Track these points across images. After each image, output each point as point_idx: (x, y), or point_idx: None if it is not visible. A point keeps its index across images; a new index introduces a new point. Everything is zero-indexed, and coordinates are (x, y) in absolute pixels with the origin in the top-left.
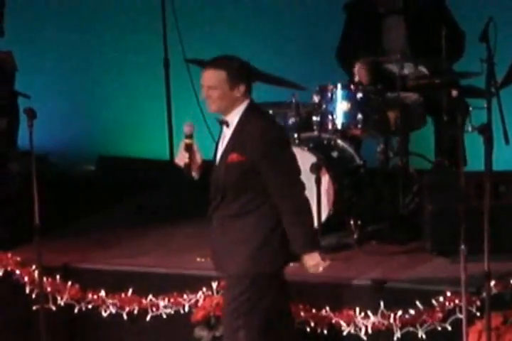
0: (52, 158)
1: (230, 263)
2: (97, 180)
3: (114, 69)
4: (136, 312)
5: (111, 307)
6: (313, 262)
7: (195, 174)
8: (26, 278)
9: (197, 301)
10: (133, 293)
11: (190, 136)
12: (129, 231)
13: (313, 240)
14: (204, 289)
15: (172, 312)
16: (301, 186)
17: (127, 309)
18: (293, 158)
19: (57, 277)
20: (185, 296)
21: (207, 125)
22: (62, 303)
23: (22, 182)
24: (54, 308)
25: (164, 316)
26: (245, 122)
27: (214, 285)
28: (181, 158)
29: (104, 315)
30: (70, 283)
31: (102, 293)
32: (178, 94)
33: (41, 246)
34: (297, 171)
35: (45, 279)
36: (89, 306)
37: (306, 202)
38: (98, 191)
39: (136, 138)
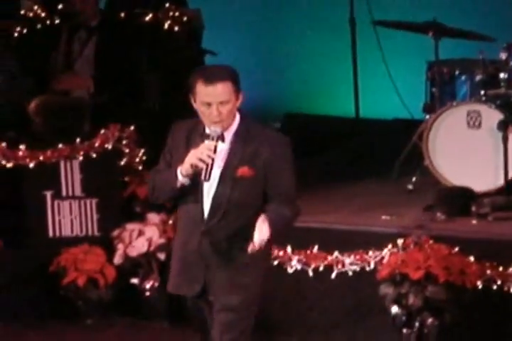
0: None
1: (234, 292)
2: None
3: (301, 27)
4: (321, 268)
5: (296, 263)
6: (263, 236)
7: (188, 179)
8: None
9: (382, 258)
10: (318, 249)
11: (218, 139)
12: (315, 188)
13: (280, 231)
14: (390, 246)
15: (357, 269)
16: None
17: (313, 265)
18: None
19: None
20: (370, 253)
21: (393, 83)
22: None
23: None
24: None
25: (350, 273)
26: (248, 134)
27: (400, 242)
28: (203, 159)
29: (290, 271)
30: None
31: (288, 249)
32: (364, 52)
33: None
34: None
35: None
36: (275, 262)
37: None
38: None
39: (322, 96)
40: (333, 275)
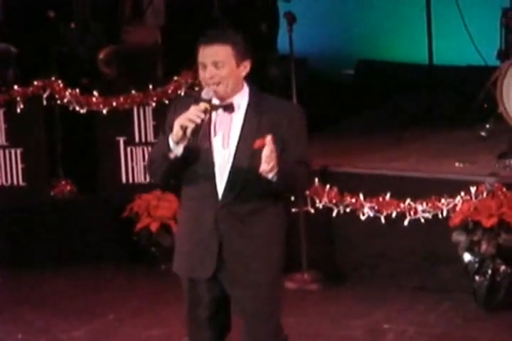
0: (311, 62)
1: (258, 269)
2: (356, 84)
3: None
4: (394, 216)
5: (369, 210)
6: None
7: (181, 148)
8: None
9: (455, 206)
10: (391, 196)
11: (210, 101)
12: (388, 135)
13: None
14: (462, 193)
15: (430, 216)
16: None
17: (385, 213)
18: None
19: (316, 180)
20: (443, 201)
21: (467, 30)
22: (320, 206)
23: (281, 86)
24: (313, 211)
25: (422, 220)
26: (262, 105)
27: (472, 189)
28: (192, 119)
29: (362, 218)
30: (328, 186)
31: (361, 197)
32: None
33: None
34: None
35: None
36: (348, 209)
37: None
38: (357, 95)
39: (395, 42)
40: (406, 223)
